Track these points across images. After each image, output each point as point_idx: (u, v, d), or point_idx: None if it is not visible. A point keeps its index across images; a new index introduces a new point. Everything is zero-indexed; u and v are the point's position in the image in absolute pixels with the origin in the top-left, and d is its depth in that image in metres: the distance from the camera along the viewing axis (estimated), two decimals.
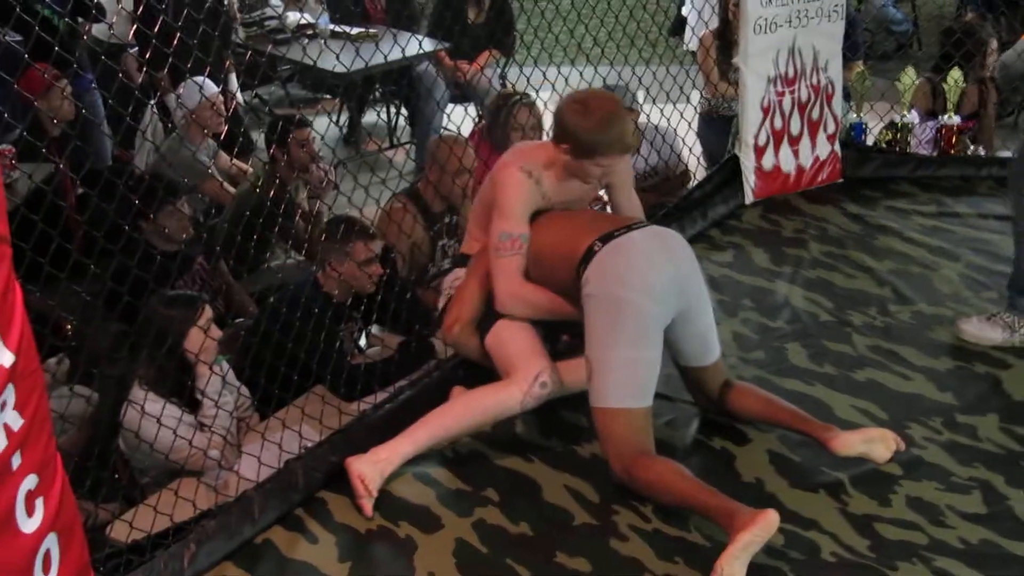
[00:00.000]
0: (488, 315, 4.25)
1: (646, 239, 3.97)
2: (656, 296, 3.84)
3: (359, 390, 4.51)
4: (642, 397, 3.84)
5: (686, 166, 6.44)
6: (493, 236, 4.16)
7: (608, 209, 4.81)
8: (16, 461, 2.59)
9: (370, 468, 3.88)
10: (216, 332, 4.29)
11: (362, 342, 5.31)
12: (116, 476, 4.12)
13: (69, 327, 4.58)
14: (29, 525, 2.67)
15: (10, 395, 2.55)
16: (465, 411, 4.09)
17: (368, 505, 3.84)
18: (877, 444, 3.89)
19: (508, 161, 4.28)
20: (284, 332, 4.34)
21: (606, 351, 3.85)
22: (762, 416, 4.11)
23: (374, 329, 5.22)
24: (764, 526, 3.41)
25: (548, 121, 5.49)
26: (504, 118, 6.00)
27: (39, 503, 2.71)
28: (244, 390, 4.55)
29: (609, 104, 4.08)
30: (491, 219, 4.19)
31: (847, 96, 6.68)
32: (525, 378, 4.05)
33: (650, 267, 3.88)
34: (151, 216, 4.94)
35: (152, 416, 3.93)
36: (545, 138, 5.74)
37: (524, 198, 4.16)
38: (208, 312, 4.30)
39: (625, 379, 3.83)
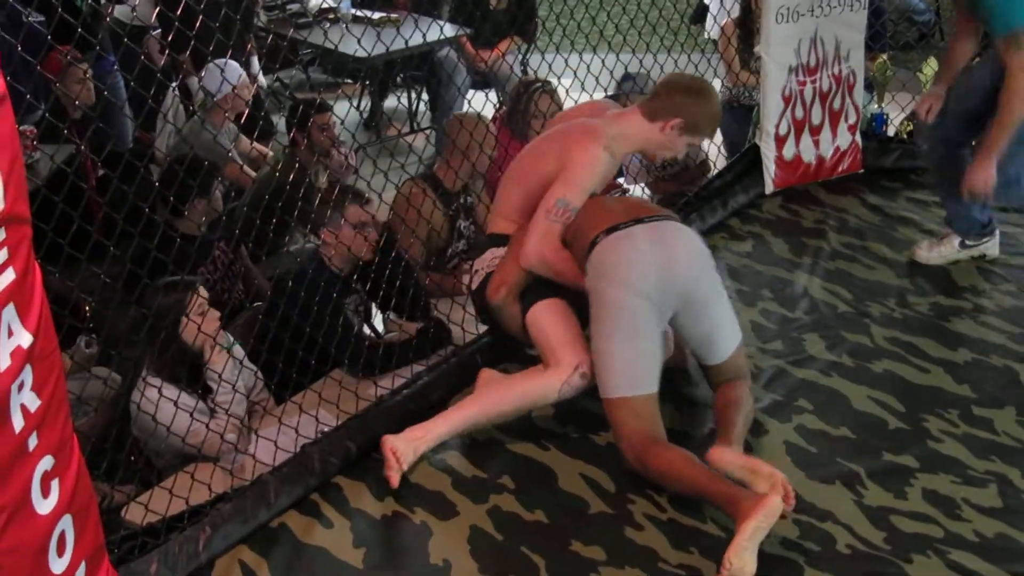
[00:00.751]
0: (530, 290, 4.28)
1: (646, 234, 3.99)
2: (641, 291, 3.87)
3: (376, 369, 4.54)
4: (641, 386, 3.87)
5: (706, 155, 6.42)
6: (551, 197, 4.23)
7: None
8: (33, 442, 2.60)
9: (404, 444, 3.93)
10: (213, 315, 4.27)
11: (379, 327, 5.30)
12: (132, 459, 4.12)
13: (88, 308, 4.59)
14: (45, 506, 2.68)
15: (28, 376, 2.55)
16: (503, 397, 4.13)
17: (396, 477, 3.88)
18: (760, 481, 3.56)
19: (597, 133, 4.34)
20: (290, 310, 4.33)
21: (601, 343, 3.93)
22: (716, 414, 4.05)
23: (391, 315, 5.21)
24: (767, 512, 3.41)
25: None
26: (524, 105, 6.00)
27: (55, 484, 2.71)
28: (259, 374, 4.55)
29: (709, 87, 4.42)
30: (555, 183, 4.25)
31: (869, 86, 6.65)
32: (566, 368, 4.09)
33: (637, 266, 3.90)
34: (184, 210, 4.95)
35: (168, 399, 3.93)
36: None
37: (597, 177, 4.30)
38: (202, 295, 4.27)
39: (622, 369, 3.88)
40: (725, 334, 4.06)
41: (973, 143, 5.05)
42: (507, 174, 4.56)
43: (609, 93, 6.16)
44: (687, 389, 4.37)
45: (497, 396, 4.13)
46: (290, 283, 4.47)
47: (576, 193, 4.21)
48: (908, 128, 6.61)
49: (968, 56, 5.17)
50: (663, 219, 4.11)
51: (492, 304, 4.40)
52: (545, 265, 4.22)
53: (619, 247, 3.97)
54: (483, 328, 4.69)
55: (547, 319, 4.21)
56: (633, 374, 3.87)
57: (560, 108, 5.96)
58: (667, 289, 3.89)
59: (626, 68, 5.84)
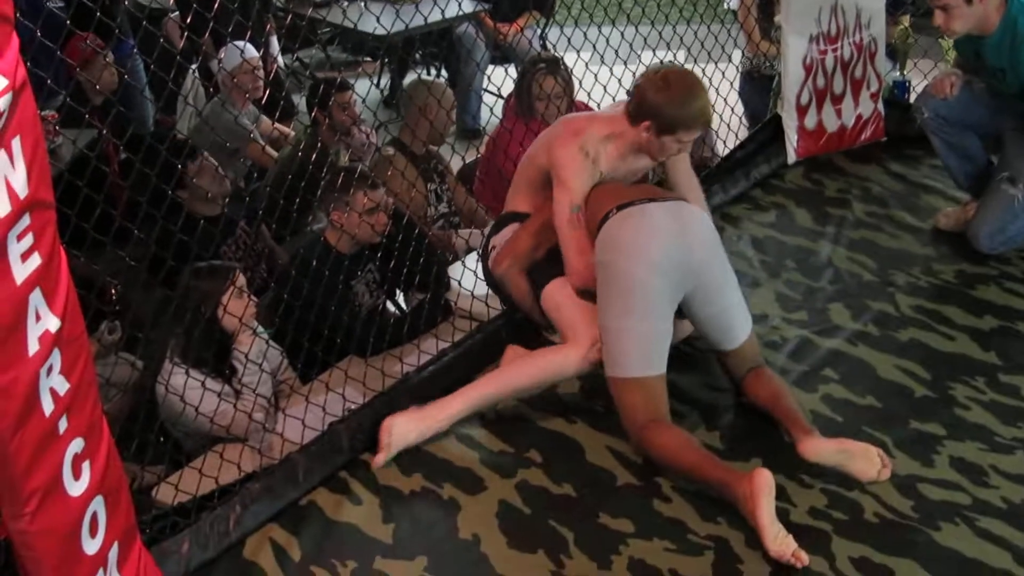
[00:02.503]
0: (542, 268, 4.28)
1: (661, 212, 3.97)
2: (657, 269, 3.85)
3: (385, 343, 4.57)
4: (649, 366, 3.84)
5: (712, 151, 6.39)
6: (563, 207, 4.17)
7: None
8: (63, 425, 2.62)
9: (403, 424, 3.92)
10: (250, 301, 4.29)
11: (403, 304, 5.32)
12: (161, 439, 4.15)
13: (114, 292, 4.61)
14: (76, 488, 2.70)
15: (56, 359, 2.57)
16: (521, 373, 4.12)
17: (379, 459, 3.89)
18: (857, 459, 3.70)
19: (565, 138, 4.27)
20: (295, 297, 4.34)
21: (612, 320, 3.90)
22: (765, 407, 3.98)
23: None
24: (765, 488, 3.46)
25: (589, 84, 5.48)
26: (527, 86, 5.99)
27: (86, 466, 2.73)
28: (284, 353, 4.57)
29: (689, 79, 4.15)
30: (554, 188, 4.23)
31: (890, 54, 6.61)
32: (584, 342, 4.07)
33: (655, 240, 3.88)
34: (183, 176, 4.96)
35: (196, 381, 3.95)
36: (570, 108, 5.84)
37: (583, 176, 4.20)
38: (240, 280, 4.30)
39: (631, 348, 3.85)
40: (739, 318, 4.03)
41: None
42: (523, 158, 4.56)
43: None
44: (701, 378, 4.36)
45: (515, 372, 4.13)
46: (293, 272, 4.47)
47: (575, 194, 4.17)
48: None
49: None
50: (677, 200, 4.09)
51: (495, 275, 4.42)
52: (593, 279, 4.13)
53: (634, 222, 3.94)
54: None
55: (563, 295, 4.20)
56: (647, 353, 3.85)
57: (565, 88, 5.94)
58: (683, 267, 3.88)
59: (645, 40, 5.78)
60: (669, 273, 3.86)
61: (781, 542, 3.39)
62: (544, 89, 5.91)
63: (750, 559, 3.45)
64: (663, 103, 4.05)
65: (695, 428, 4.03)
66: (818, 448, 3.70)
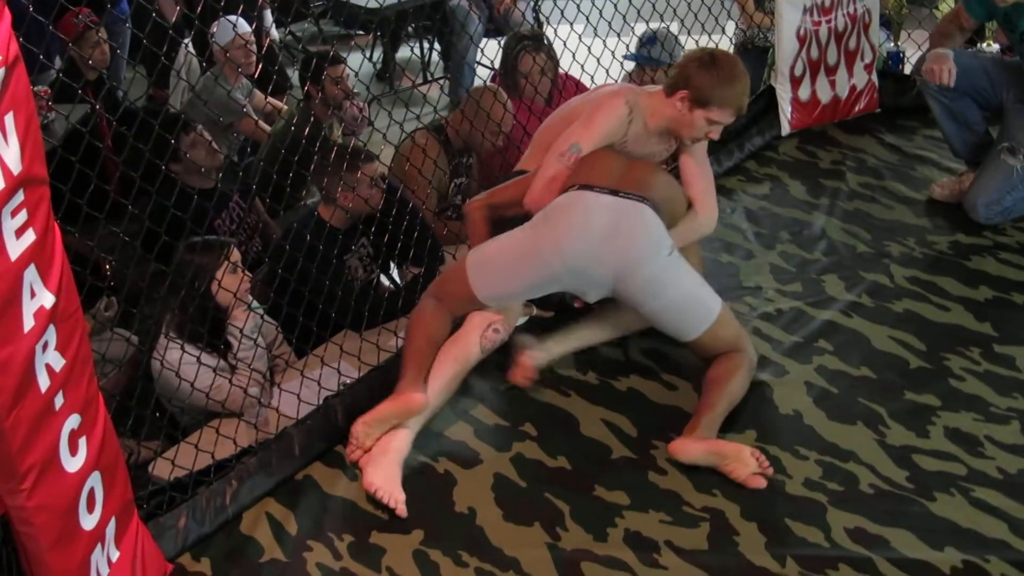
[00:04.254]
0: (507, 226, 4.23)
1: (603, 210, 3.95)
2: (561, 254, 3.90)
3: (379, 317, 4.59)
4: (485, 290, 4.02)
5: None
6: (565, 141, 4.17)
7: None
8: (59, 401, 2.63)
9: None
10: (245, 276, 4.28)
11: (397, 278, 5.32)
12: (157, 415, 4.15)
13: (108, 267, 4.61)
14: (73, 464, 2.71)
15: (52, 336, 2.58)
16: (442, 368, 4.03)
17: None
18: (729, 461, 3.66)
19: (619, 91, 4.34)
20: (290, 272, 4.32)
21: (506, 255, 4.04)
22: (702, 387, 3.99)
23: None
24: (401, 406, 3.78)
25: (582, 56, 5.46)
26: (513, 61, 5.96)
27: (82, 442, 2.74)
28: (279, 328, 4.57)
29: (735, 63, 4.15)
30: (576, 122, 4.22)
31: (884, 24, 6.60)
32: (477, 326, 4.12)
33: (579, 231, 3.90)
34: (184, 153, 4.94)
35: (191, 355, 3.95)
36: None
37: (612, 128, 4.19)
38: (235, 255, 4.30)
39: (492, 270, 4.03)
40: (687, 315, 3.97)
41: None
42: (538, 131, 4.53)
43: (629, 52, 6.10)
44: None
45: (439, 368, 4.03)
46: (287, 247, 4.46)
47: (589, 140, 4.15)
48: None
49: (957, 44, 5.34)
50: (637, 200, 4.00)
51: (464, 211, 4.45)
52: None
53: (575, 210, 3.97)
54: None
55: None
56: (494, 278, 4.01)
57: (546, 65, 5.89)
58: (601, 270, 3.91)
59: (639, 12, 5.77)
60: (577, 268, 3.92)
61: (363, 433, 3.78)
62: (536, 63, 5.86)
63: (746, 530, 3.47)
64: (704, 75, 4.05)
65: (689, 397, 4.04)
66: (687, 449, 3.71)
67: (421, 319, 4.04)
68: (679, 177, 4.32)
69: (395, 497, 3.63)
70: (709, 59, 4.10)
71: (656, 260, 3.93)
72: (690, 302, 3.98)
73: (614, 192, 3.98)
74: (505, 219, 4.23)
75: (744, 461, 3.65)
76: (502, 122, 5.43)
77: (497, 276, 4.01)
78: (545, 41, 6.03)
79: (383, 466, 3.71)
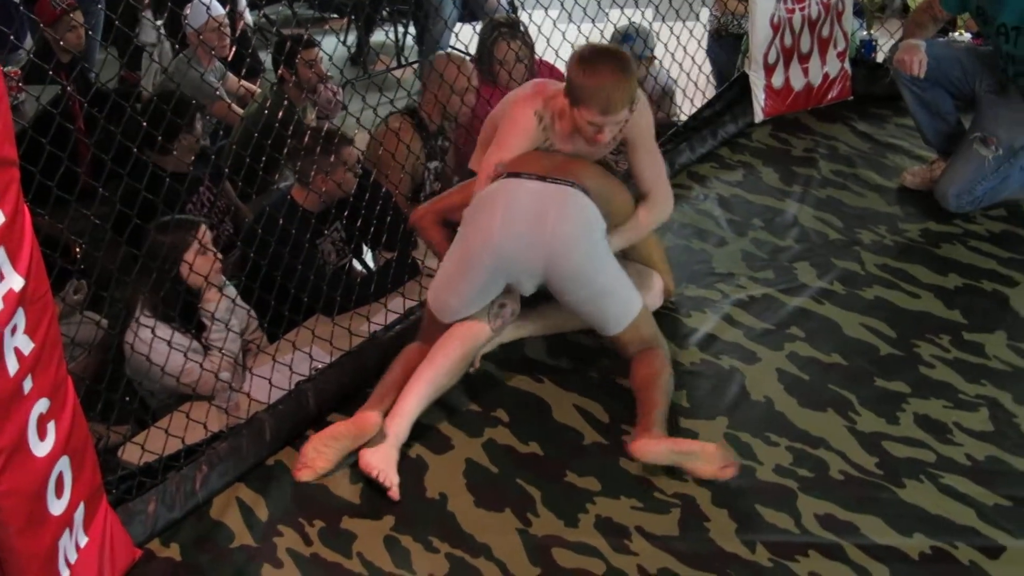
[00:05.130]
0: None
1: (528, 195, 3.90)
2: (494, 249, 3.85)
3: (352, 302, 4.60)
4: (440, 310, 3.98)
5: (676, 123, 6.34)
6: (489, 162, 4.12)
7: None
8: (27, 385, 2.62)
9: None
10: (214, 257, 4.26)
11: (371, 263, 5.31)
12: (127, 399, 4.13)
13: (78, 250, 4.58)
14: (41, 448, 2.70)
15: (20, 319, 2.56)
16: (446, 349, 3.98)
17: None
18: (694, 459, 3.60)
19: (527, 98, 4.19)
20: (262, 255, 4.32)
21: (447, 261, 4.03)
22: (635, 390, 3.90)
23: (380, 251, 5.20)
24: (354, 426, 3.72)
25: (556, 42, 5.45)
26: (490, 47, 5.93)
27: (51, 427, 2.73)
28: (252, 312, 4.56)
29: (609, 60, 3.95)
30: (493, 143, 4.16)
31: (858, 12, 6.62)
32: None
33: (503, 219, 3.86)
34: (168, 145, 4.91)
35: (162, 339, 3.94)
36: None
37: (524, 139, 4.11)
38: (206, 235, 4.28)
39: (442, 290, 3.99)
40: (612, 308, 3.94)
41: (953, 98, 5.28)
42: (489, 115, 4.50)
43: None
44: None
45: (445, 348, 4.00)
46: (259, 230, 4.44)
47: (508, 152, 4.09)
48: None
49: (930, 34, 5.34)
50: (567, 185, 3.93)
51: (410, 222, 4.46)
52: None
53: (500, 197, 3.93)
54: None
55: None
56: (445, 302, 3.97)
57: (520, 52, 5.86)
58: (528, 255, 3.85)
59: (621, 8, 5.79)
60: (505, 254, 3.86)
61: (312, 452, 3.72)
62: (511, 49, 5.83)
63: (716, 516, 3.48)
64: (575, 70, 3.93)
65: None
66: (649, 448, 3.64)
67: (403, 356, 3.99)
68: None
69: (391, 479, 3.63)
70: (586, 54, 3.96)
71: (587, 243, 3.88)
72: (616, 294, 3.94)
73: (541, 178, 3.94)
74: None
75: (710, 459, 3.59)
76: (469, 82, 5.40)
77: (448, 291, 3.97)
78: (521, 28, 6.00)
79: (381, 449, 3.70)
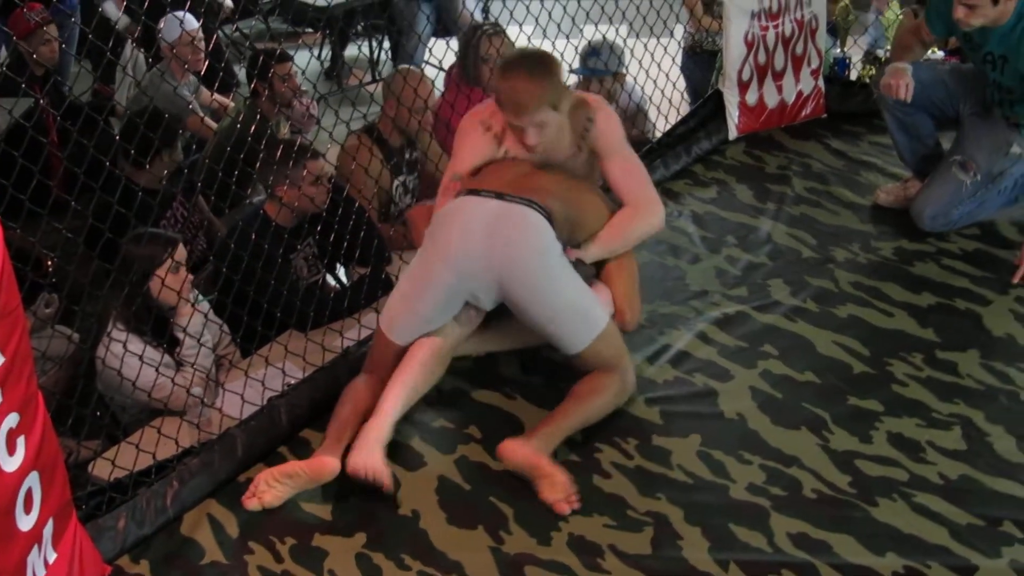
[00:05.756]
0: None
1: (482, 213, 3.90)
2: (452, 266, 3.85)
3: (325, 317, 4.59)
4: (395, 333, 3.97)
5: (650, 140, 6.35)
6: (447, 176, 4.18)
7: None
8: None
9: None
10: (181, 276, 4.23)
11: (344, 278, 5.30)
12: (98, 414, 4.11)
13: (50, 264, 4.56)
14: (11, 464, 2.67)
15: None
16: (418, 355, 3.98)
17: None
18: (542, 482, 3.62)
19: (476, 112, 4.26)
20: (234, 270, 4.30)
21: (402, 280, 4.03)
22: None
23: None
24: (311, 469, 3.65)
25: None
26: (474, 50, 5.94)
27: (20, 441, 2.70)
28: (225, 327, 4.54)
29: (523, 62, 4.02)
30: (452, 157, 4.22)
31: (831, 31, 6.64)
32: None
33: (459, 236, 3.86)
34: (145, 161, 4.90)
35: (134, 354, 3.91)
36: None
37: (474, 152, 4.15)
38: (181, 251, 4.26)
39: (396, 310, 3.97)
40: (569, 327, 3.91)
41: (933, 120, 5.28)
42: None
43: (573, 67, 6.07)
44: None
45: (416, 355, 3.97)
46: (232, 245, 4.42)
47: (460, 164, 4.14)
48: (870, 73, 6.62)
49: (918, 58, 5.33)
50: (523, 204, 3.90)
51: (406, 218, 4.45)
52: None
53: (456, 215, 3.93)
54: None
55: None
56: (400, 322, 3.95)
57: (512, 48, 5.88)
58: (483, 273, 3.84)
59: (587, 14, 5.77)
60: (461, 271, 3.85)
61: (264, 490, 3.63)
62: (494, 46, 5.81)
63: (689, 535, 3.47)
64: (495, 76, 4.03)
65: (633, 402, 4.04)
66: (514, 452, 3.68)
67: (349, 392, 3.94)
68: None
69: (383, 476, 3.63)
70: (504, 60, 4.07)
71: (539, 263, 3.86)
72: (574, 313, 3.91)
73: (500, 195, 3.93)
74: None
75: (555, 488, 3.60)
76: (420, 97, 5.36)
77: (404, 311, 3.95)
78: (502, 29, 6.01)
79: (365, 450, 3.68)
